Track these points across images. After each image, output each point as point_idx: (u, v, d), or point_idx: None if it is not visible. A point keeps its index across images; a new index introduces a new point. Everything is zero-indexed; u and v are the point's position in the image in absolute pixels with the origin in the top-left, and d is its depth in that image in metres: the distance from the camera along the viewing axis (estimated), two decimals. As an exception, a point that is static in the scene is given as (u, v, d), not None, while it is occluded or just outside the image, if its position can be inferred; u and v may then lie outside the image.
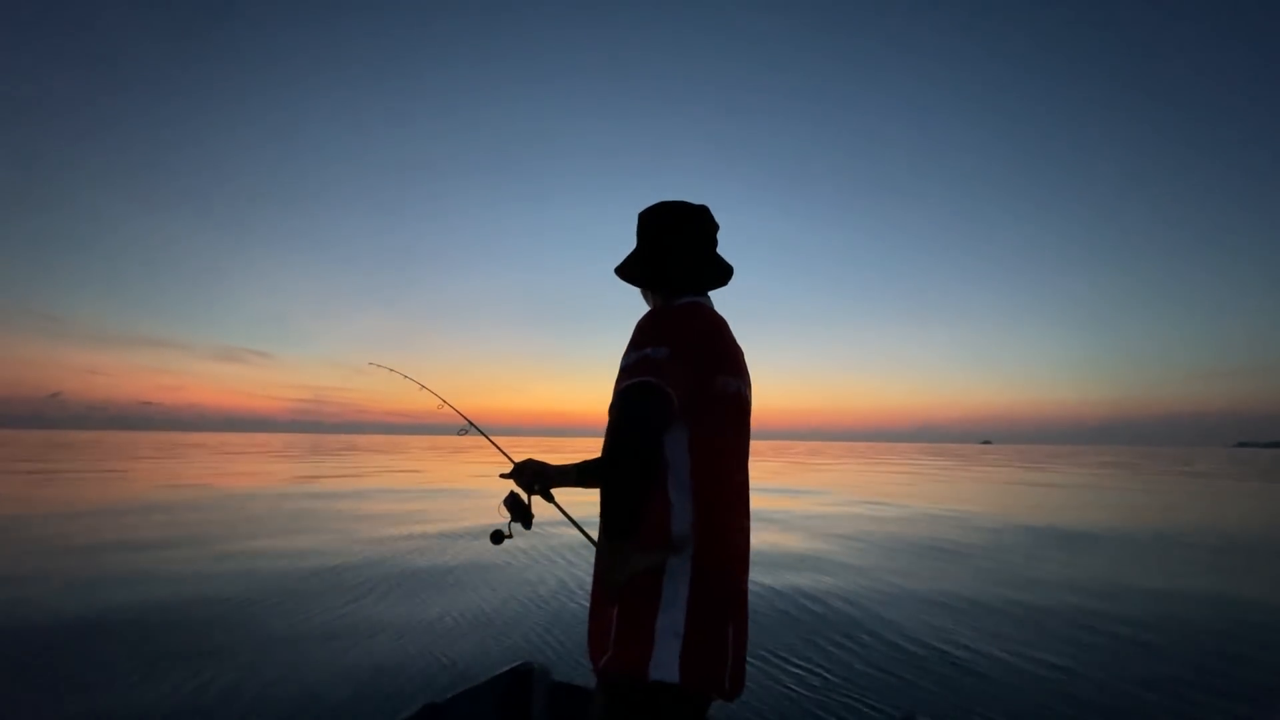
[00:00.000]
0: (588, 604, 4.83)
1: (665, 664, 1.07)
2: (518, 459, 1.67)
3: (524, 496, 1.62)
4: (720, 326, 1.31)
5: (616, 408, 1.10)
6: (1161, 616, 4.75)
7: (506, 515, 1.62)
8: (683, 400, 1.13)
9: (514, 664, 2.09)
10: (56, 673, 3.33)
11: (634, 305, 1.51)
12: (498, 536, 1.63)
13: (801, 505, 12.27)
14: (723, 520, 1.18)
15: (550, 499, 1.66)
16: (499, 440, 2.28)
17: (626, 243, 1.52)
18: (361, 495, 12.80)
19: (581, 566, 6.10)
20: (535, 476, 1.61)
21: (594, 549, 1.45)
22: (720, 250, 1.45)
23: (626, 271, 1.45)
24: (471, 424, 2.20)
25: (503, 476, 1.68)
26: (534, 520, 1.62)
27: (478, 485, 15.81)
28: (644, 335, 1.18)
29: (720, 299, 1.46)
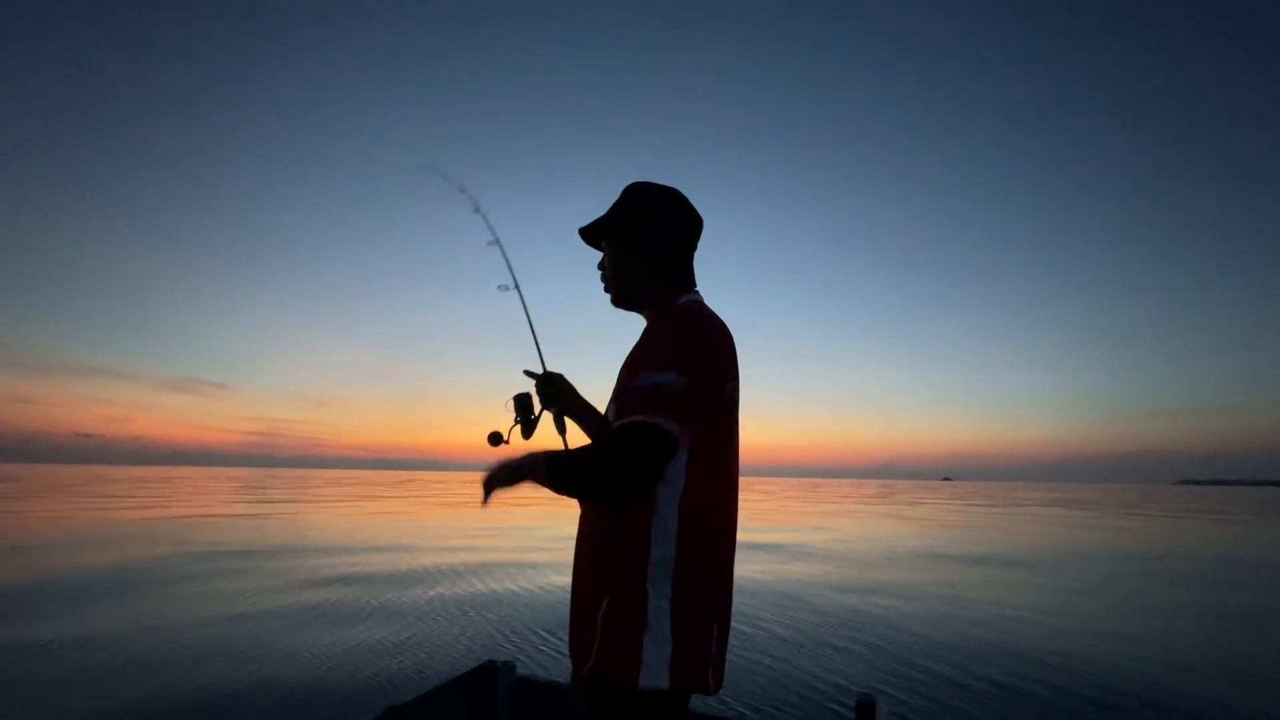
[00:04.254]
0: (562, 604, 4.91)
1: (654, 671, 1.06)
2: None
3: (537, 405, 1.48)
4: (725, 329, 1.23)
5: (620, 441, 1.06)
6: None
7: (512, 413, 1.47)
8: (691, 425, 1.10)
9: (478, 663, 2.06)
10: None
11: (629, 325, 1.35)
12: (495, 439, 1.46)
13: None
14: (710, 533, 1.15)
15: (561, 430, 1.48)
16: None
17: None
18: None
19: (553, 565, 5.98)
20: (560, 394, 1.48)
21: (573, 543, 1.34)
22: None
23: (630, 263, 1.28)
24: (515, 284, 1.57)
25: (527, 374, 1.51)
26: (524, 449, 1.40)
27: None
28: (666, 352, 1.11)
29: None
